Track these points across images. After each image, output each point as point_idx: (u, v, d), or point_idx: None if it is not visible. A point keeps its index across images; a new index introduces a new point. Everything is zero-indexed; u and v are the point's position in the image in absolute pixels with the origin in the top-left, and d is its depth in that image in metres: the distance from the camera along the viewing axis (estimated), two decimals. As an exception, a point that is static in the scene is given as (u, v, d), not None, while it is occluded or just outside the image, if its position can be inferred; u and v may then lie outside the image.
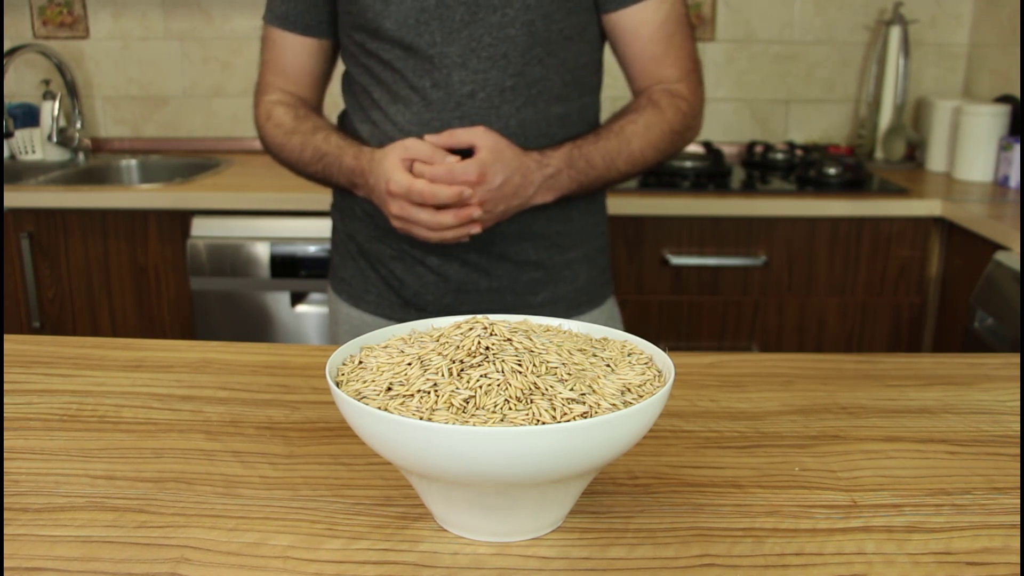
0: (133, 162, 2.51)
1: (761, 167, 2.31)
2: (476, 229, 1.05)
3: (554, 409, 0.54)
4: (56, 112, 2.43)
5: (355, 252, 1.23)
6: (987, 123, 2.15)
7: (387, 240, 1.19)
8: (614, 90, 1.33)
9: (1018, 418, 0.79)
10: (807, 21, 2.47)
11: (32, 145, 2.49)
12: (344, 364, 0.62)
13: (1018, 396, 0.84)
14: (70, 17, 2.54)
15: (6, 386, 0.85)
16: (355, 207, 1.21)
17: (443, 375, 0.56)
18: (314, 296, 2.03)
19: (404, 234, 1.09)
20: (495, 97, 1.09)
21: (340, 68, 1.25)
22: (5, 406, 0.81)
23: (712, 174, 2.15)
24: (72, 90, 2.52)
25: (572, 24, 1.12)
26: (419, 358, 0.59)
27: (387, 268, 1.20)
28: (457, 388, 0.55)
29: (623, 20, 1.15)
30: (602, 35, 1.19)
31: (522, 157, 1.06)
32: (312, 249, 1.97)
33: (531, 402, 0.54)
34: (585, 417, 0.53)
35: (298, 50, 1.20)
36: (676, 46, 1.16)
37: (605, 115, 1.21)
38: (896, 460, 0.71)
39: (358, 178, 1.11)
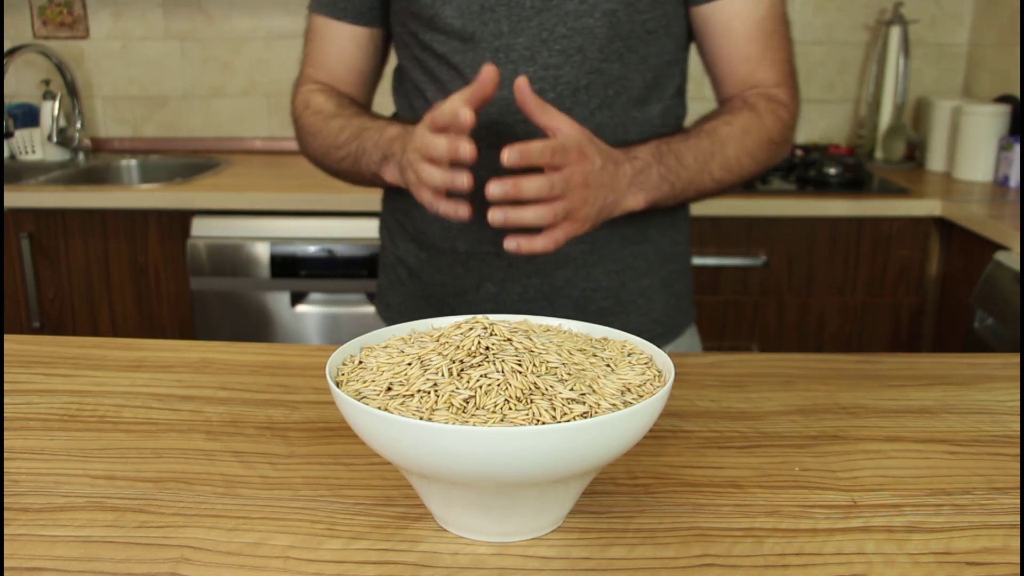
0: (133, 162, 2.51)
1: (761, 167, 2.31)
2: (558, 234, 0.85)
3: (554, 409, 0.54)
4: (56, 112, 2.43)
5: (404, 276, 1.11)
6: (987, 123, 2.15)
7: (437, 263, 1.06)
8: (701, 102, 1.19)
9: (1018, 418, 0.79)
10: (807, 21, 2.46)
11: (32, 145, 2.49)
12: (344, 364, 0.62)
13: (1018, 396, 0.83)
14: (70, 17, 2.54)
15: (6, 386, 0.85)
16: (406, 223, 1.08)
17: (443, 375, 0.56)
18: (314, 296, 2.03)
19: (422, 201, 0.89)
20: (567, 97, 0.96)
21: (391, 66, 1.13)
22: (5, 406, 0.81)
23: (712, 174, 2.15)
24: (72, 90, 2.52)
25: (657, 16, 0.98)
26: (419, 358, 0.59)
27: (437, 296, 1.07)
28: (457, 388, 0.55)
29: (715, 14, 1.00)
30: (689, 32, 1.04)
31: (609, 147, 0.90)
32: (312, 249, 1.97)
33: (531, 402, 0.54)
34: (585, 417, 0.53)
35: (346, 41, 1.07)
36: (774, 47, 1.02)
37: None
38: (896, 460, 0.71)
39: (396, 144, 0.94)
